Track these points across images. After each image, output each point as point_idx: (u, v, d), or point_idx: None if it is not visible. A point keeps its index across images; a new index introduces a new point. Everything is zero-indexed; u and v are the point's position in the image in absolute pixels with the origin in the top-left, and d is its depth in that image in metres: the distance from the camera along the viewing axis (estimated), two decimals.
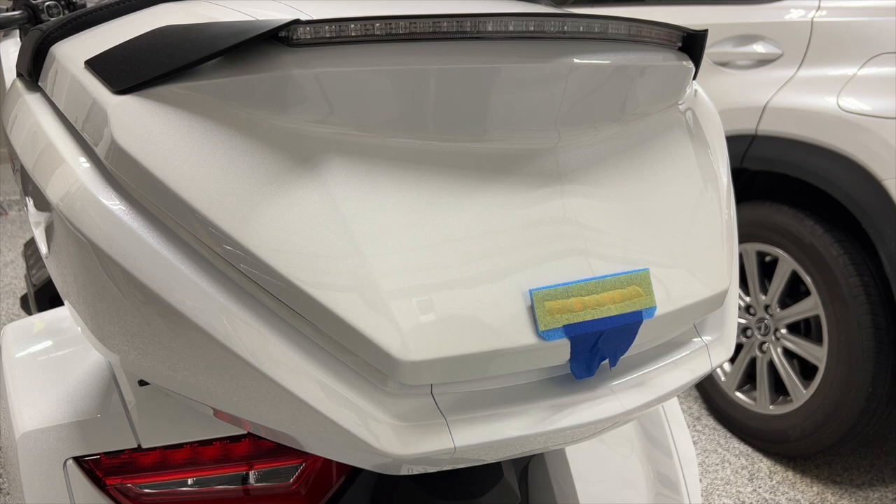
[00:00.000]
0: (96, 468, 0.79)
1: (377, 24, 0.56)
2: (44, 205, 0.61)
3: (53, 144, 0.61)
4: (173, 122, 0.54)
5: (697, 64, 0.76)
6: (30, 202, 0.68)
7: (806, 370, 2.08)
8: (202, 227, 0.53)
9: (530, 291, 0.59)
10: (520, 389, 0.64)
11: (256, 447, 0.83)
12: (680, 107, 0.77)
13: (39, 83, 0.74)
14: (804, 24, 1.97)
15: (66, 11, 1.04)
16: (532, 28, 0.61)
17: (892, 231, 1.75)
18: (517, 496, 0.87)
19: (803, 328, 2.09)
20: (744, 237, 2.11)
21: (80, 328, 0.69)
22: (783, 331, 2.09)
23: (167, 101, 0.55)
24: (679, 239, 0.69)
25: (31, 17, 1.01)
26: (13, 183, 4.60)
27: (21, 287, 3.15)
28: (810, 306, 1.98)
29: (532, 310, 0.59)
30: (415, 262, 0.56)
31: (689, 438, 1.07)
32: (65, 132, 0.63)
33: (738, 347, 2.21)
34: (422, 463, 0.61)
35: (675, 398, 1.09)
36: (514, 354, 0.58)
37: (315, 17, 0.55)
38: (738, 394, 2.23)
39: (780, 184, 2.15)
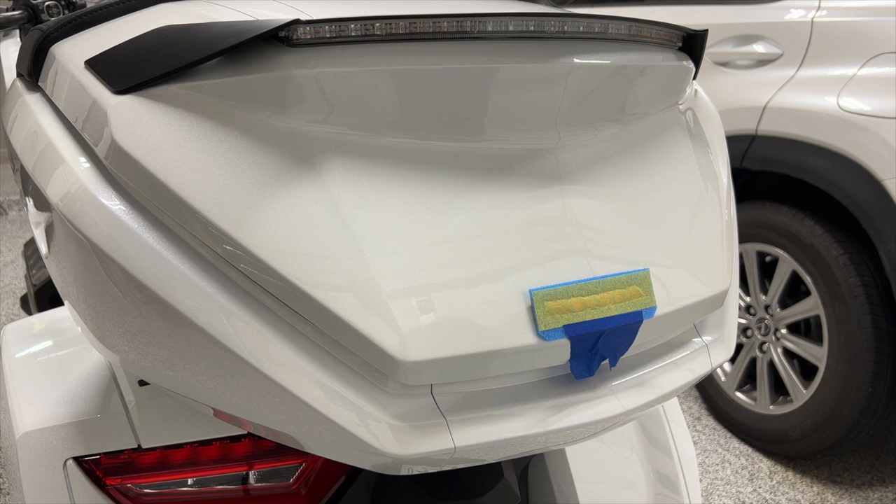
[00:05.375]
0: (96, 468, 0.79)
1: (377, 24, 0.56)
2: (44, 205, 0.61)
3: (53, 144, 0.61)
4: (173, 123, 0.54)
5: (697, 64, 0.76)
6: (30, 202, 0.68)
7: (806, 370, 2.08)
8: (202, 227, 0.53)
9: (530, 291, 0.59)
10: (520, 389, 0.64)
11: (256, 447, 0.83)
12: (680, 107, 0.77)
13: (39, 83, 0.74)
14: (804, 24, 1.97)
15: (66, 11, 1.04)
16: (532, 28, 0.61)
17: (892, 231, 1.75)
18: (517, 496, 0.87)
19: (803, 328, 2.09)
20: (744, 237, 2.11)
21: (80, 328, 0.69)
22: (783, 331, 2.09)
23: (167, 101, 0.55)
24: (679, 239, 0.69)
25: (31, 17, 1.01)
26: (13, 183, 4.60)
27: (21, 287, 3.15)
28: (810, 306, 1.98)
29: (532, 310, 0.59)
30: (415, 262, 0.56)
31: (689, 438, 1.07)
32: (65, 132, 0.63)
33: (739, 347, 2.21)
34: (422, 463, 0.61)
35: (675, 398, 1.09)
36: (514, 354, 0.58)
37: (315, 17, 0.55)
38: (738, 394, 2.23)
39: (780, 184, 2.15)
